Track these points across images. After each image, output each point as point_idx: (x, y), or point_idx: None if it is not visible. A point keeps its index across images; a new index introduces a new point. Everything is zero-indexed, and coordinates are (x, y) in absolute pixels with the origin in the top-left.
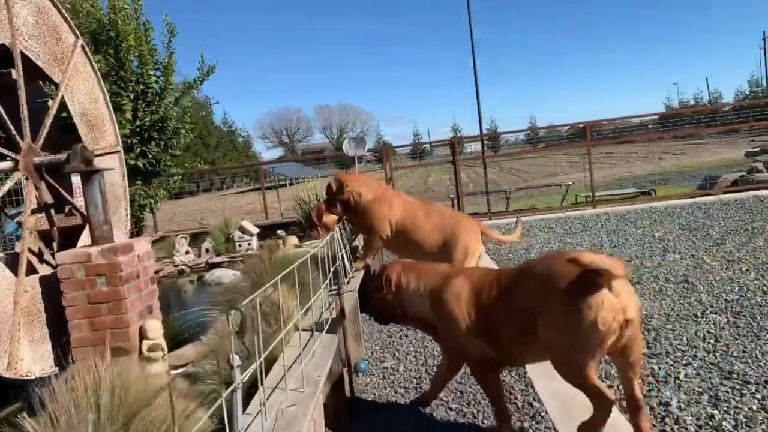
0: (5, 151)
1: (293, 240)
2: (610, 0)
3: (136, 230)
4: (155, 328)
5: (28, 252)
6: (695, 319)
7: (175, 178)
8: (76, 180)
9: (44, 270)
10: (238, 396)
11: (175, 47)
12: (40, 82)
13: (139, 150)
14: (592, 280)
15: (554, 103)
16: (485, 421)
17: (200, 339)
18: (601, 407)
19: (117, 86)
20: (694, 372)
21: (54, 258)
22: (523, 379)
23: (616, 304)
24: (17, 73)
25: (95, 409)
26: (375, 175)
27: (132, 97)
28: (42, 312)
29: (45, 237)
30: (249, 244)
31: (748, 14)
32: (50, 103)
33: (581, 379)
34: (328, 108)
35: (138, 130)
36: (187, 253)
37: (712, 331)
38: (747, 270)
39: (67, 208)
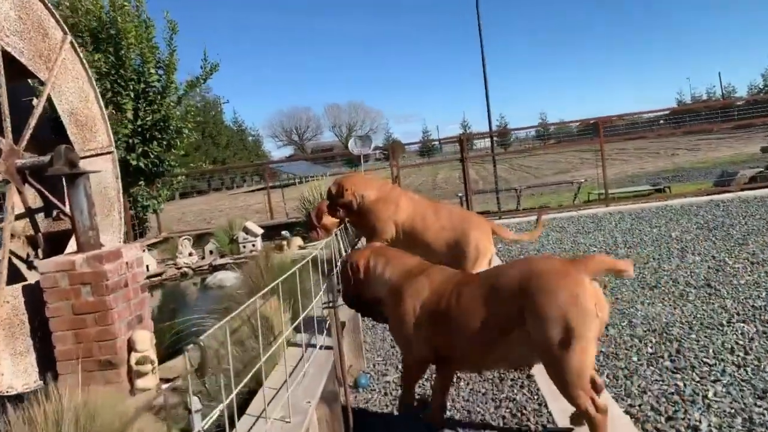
0: None
1: (298, 241)
2: None
3: (140, 231)
4: (144, 339)
5: (16, 259)
6: (721, 328)
7: (180, 178)
8: None
9: (34, 278)
10: None
11: (176, 45)
12: (30, 81)
13: (140, 150)
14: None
15: (564, 99)
16: None
17: (192, 348)
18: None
19: (117, 85)
20: (723, 390)
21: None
22: (536, 398)
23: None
24: None
25: None
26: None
27: (133, 96)
28: (25, 323)
29: (33, 243)
30: (253, 246)
31: (760, 6)
32: (35, 102)
33: (580, 377)
34: (338, 106)
35: (139, 129)
36: (190, 254)
37: (741, 342)
38: None
39: (54, 212)
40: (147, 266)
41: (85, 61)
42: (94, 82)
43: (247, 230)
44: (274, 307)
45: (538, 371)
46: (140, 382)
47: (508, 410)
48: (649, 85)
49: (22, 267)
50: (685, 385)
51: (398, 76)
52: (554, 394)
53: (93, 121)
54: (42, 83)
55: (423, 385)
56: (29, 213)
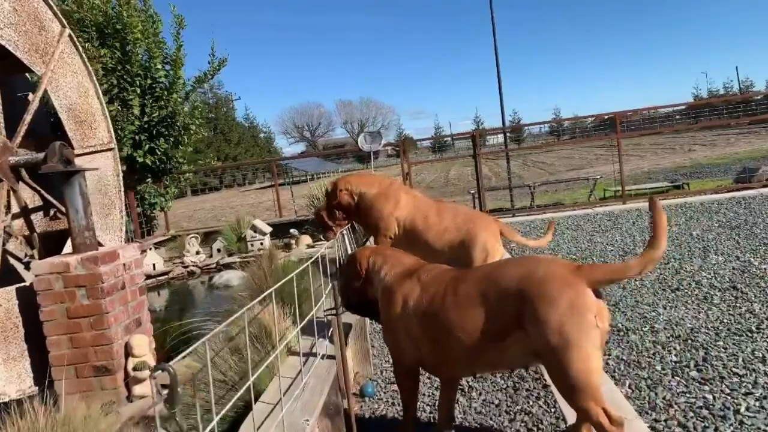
0: None
1: (306, 239)
2: None
3: (147, 229)
4: (142, 344)
5: (13, 260)
6: (750, 334)
7: (187, 175)
8: None
9: (31, 279)
10: None
11: (183, 40)
12: (28, 76)
13: (147, 147)
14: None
15: (578, 94)
16: None
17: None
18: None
19: (124, 81)
20: (756, 404)
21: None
22: (553, 411)
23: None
24: None
25: None
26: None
27: (139, 92)
28: (19, 327)
29: (32, 242)
30: (261, 244)
31: None
32: (31, 97)
33: (586, 386)
34: (350, 103)
35: (146, 126)
36: (197, 253)
37: None
38: None
39: (52, 211)
40: (154, 265)
41: (84, 55)
42: (99, 78)
43: (255, 228)
44: (273, 313)
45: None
46: (138, 389)
47: (523, 424)
48: (664, 81)
49: (20, 267)
50: (714, 398)
51: (410, 72)
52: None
53: (93, 117)
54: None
55: (433, 394)
56: (24, 212)
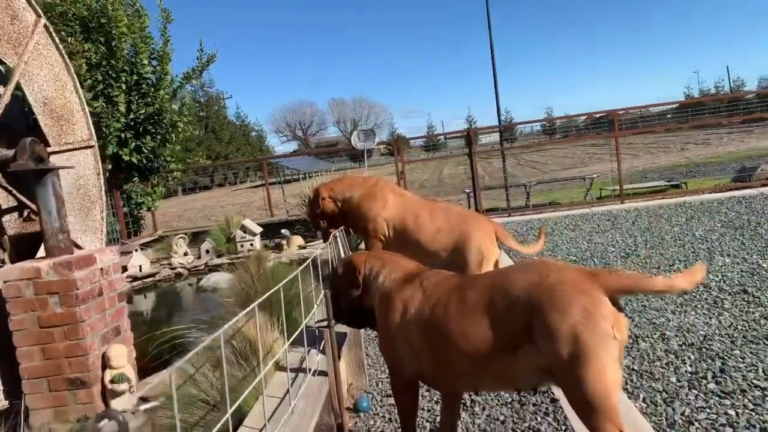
0: None
1: (298, 240)
2: None
3: (134, 230)
4: (120, 354)
5: None
6: (767, 342)
7: (176, 174)
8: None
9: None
10: None
11: (170, 35)
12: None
13: (133, 145)
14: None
15: (570, 93)
16: None
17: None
18: None
19: (109, 77)
20: None
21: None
22: (563, 428)
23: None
24: None
25: None
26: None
27: (125, 89)
28: None
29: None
30: (251, 245)
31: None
32: (1, 90)
33: (603, 404)
34: (342, 101)
35: (132, 123)
36: (185, 254)
37: None
38: None
39: (26, 212)
40: (140, 266)
41: (61, 47)
42: (83, 73)
43: (244, 228)
44: (260, 326)
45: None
46: (115, 403)
47: None
48: (655, 80)
49: None
50: (737, 414)
51: (403, 71)
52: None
53: (71, 113)
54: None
55: (433, 408)
56: None
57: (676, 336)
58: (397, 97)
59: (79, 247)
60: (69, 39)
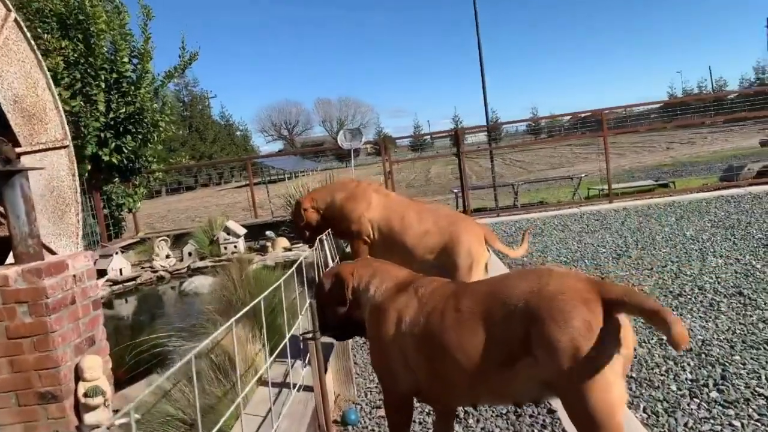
0: None
1: (283, 242)
2: None
3: (115, 232)
4: (94, 366)
5: None
6: (767, 348)
7: (158, 174)
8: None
9: None
10: None
11: (151, 32)
12: None
13: (113, 145)
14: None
15: (554, 93)
16: None
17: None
18: None
19: (87, 75)
20: None
21: None
22: None
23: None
24: None
25: None
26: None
27: (104, 87)
28: None
29: None
30: (235, 247)
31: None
32: None
33: (607, 421)
34: (328, 101)
35: (112, 123)
36: (167, 257)
37: None
38: None
39: None
40: (120, 270)
41: (33, 42)
42: (60, 71)
43: (228, 230)
44: (238, 340)
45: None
46: (89, 417)
47: None
48: (639, 80)
49: None
50: (742, 425)
51: (389, 70)
52: None
53: (43, 111)
54: None
55: (424, 421)
56: None
57: None
58: (384, 96)
59: (53, 252)
60: (45, 36)
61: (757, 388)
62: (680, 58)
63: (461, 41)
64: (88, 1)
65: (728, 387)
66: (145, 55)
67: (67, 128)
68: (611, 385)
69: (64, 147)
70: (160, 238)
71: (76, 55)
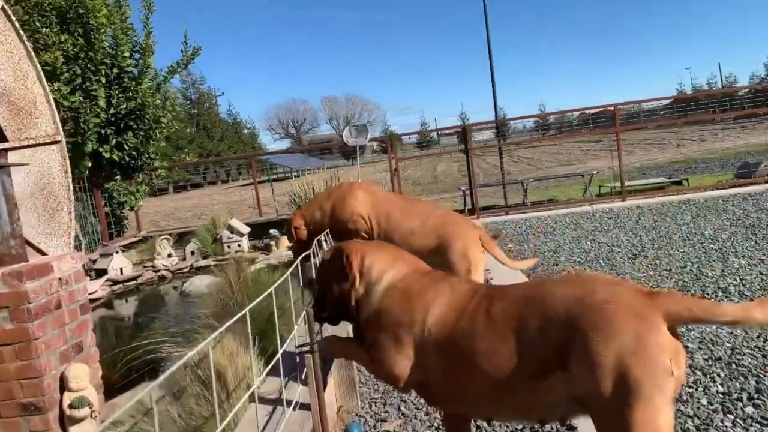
0: None
1: (287, 241)
2: None
3: (117, 230)
4: (81, 375)
5: None
6: None
7: (161, 172)
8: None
9: None
10: None
11: (153, 26)
12: None
13: (114, 141)
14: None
15: (560, 92)
16: None
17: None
18: None
19: (87, 70)
20: None
21: None
22: None
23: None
24: None
25: None
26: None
27: (105, 82)
28: None
29: None
30: (239, 245)
31: None
32: None
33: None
34: (335, 99)
35: (113, 119)
36: (169, 256)
37: None
38: None
39: None
40: (121, 269)
41: (22, 32)
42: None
43: (231, 229)
44: (231, 350)
45: (584, 422)
46: (75, 430)
47: None
48: (647, 78)
49: None
50: None
51: (396, 68)
52: None
53: (33, 105)
54: None
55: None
56: None
57: (700, 349)
58: (391, 94)
59: (43, 252)
60: (44, 30)
61: None
62: (689, 54)
63: (467, 39)
64: None
65: (765, 401)
66: (146, 50)
67: (59, 123)
68: (659, 413)
69: (56, 142)
70: (162, 237)
71: (75, 50)
